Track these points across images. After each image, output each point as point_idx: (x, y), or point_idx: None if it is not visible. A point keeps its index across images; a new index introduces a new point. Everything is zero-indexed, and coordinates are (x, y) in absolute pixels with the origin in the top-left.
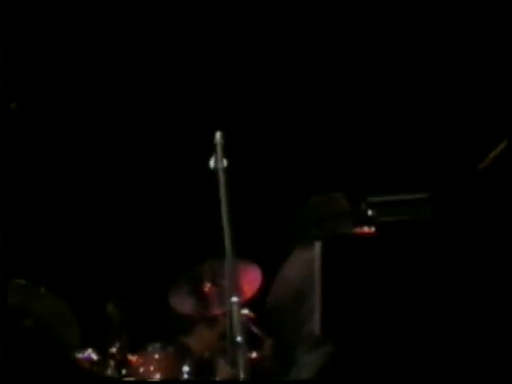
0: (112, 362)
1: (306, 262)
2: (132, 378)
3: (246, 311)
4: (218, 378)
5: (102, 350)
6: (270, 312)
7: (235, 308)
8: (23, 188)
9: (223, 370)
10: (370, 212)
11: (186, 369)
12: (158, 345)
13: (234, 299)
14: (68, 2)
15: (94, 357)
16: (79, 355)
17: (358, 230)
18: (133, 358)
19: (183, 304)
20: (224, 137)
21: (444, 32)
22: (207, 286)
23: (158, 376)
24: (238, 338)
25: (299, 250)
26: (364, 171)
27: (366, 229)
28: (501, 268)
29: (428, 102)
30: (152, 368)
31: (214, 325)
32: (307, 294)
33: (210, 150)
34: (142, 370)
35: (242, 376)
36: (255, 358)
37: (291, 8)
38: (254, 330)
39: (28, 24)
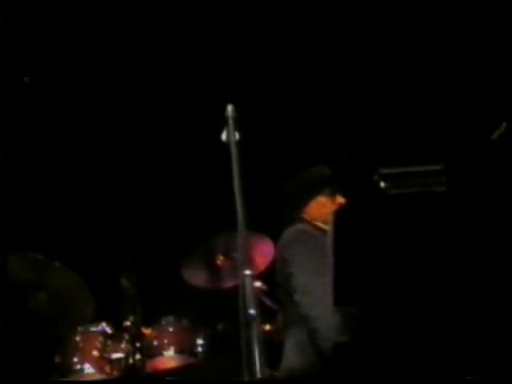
0: (126, 336)
1: (280, 243)
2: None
3: (258, 284)
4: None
5: (116, 324)
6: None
7: (248, 280)
8: (36, 161)
9: None
10: (382, 184)
11: (199, 342)
12: (171, 318)
13: (247, 272)
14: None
15: (108, 330)
16: (93, 328)
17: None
18: (147, 331)
19: (196, 277)
20: (236, 110)
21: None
22: (220, 259)
23: (172, 349)
24: (251, 311)
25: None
26: (377, 143)
27: (340, 199)
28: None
29: (441, 72)
30: (166, 341)
31: None
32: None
33: (222, 123)
34: (155, 343)
35: (256, 349)
36: (268, 331)
37: None
38: (267, 302)
39: (27, 23)
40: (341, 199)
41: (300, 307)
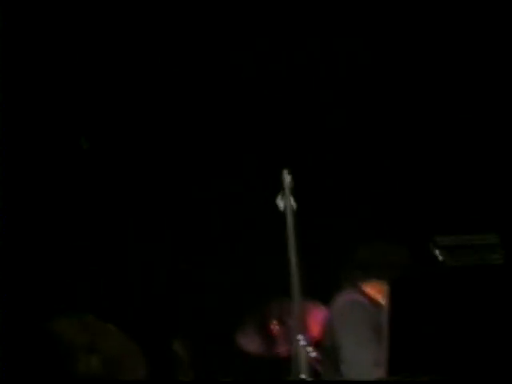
0: None
1: (331, 310)
2: None
3: (313, 354)
4: None
5: None
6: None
7: (301, 347)
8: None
9: None
10: (440, 256)
11: None
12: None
13: (301, 339)
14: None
15: None
16: None
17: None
18: None
19: (250, 343)
20: (292, 177)
21: None
22: (274, 325)
23: None
24: (303, 376)
25: (341, 292)
26: (432, 210)
27: None
28: None
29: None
30: None
31: None
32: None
33: (278, 189)
34: None
35: None
36: None
37: None
38: (320, 369)
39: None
40: None
41: (346, 378)
